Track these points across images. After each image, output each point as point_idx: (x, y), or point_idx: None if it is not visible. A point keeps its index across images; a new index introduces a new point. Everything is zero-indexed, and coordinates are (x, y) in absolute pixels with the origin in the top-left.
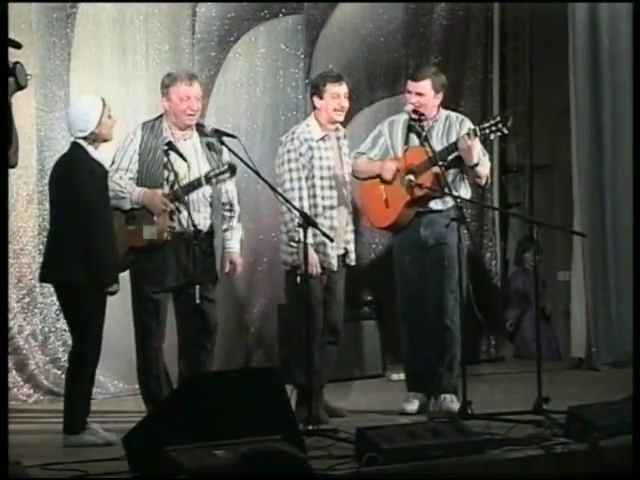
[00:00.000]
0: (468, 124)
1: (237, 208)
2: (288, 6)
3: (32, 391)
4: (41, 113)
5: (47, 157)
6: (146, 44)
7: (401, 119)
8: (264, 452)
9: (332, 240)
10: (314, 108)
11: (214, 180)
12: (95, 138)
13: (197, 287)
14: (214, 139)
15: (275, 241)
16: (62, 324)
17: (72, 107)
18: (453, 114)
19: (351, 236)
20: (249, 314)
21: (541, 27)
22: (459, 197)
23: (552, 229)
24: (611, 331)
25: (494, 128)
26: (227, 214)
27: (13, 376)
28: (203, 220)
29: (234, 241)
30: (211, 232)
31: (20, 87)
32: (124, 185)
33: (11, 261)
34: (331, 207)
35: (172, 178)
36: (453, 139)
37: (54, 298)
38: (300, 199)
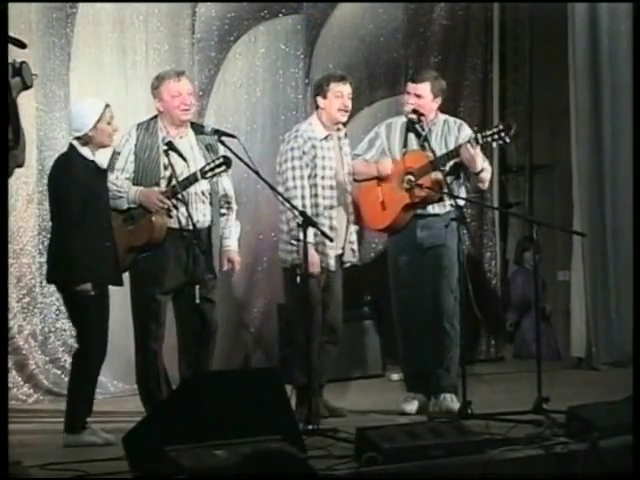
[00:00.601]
0: (467, 129)
1: (234, 205)
2: (288, 6)
3: (32, 391)
4: (41, 113)
5: (47, 157)
6: (146, 44)
7: (399, 121)
8: (264, 452)
9: (332, 240)
10: (317, 108)
11: (210, 174)
12: (88, 141)
13: (197, 287)
14: (214, 139)
15: (275, 241)
16: (62, 324)
17: (74, 106)
18: (451, 119)
19: (355, 236)
20: (248, 314)
21: (541, 27)
22: (459, 197)
23: (552, 229)
24: (611, 331)
25: (496, 137)
26: (225, 211)
27: (13, 376)
28: (202, 217)
29: (232, 239)
30: (209, 229)
31: (26, 87)
32: (120, 185)
33: (11, 261)
34: (331, 207)
35: (169, 175)
36: (451, 143)
37: (54, 298)
38: (302, 197)
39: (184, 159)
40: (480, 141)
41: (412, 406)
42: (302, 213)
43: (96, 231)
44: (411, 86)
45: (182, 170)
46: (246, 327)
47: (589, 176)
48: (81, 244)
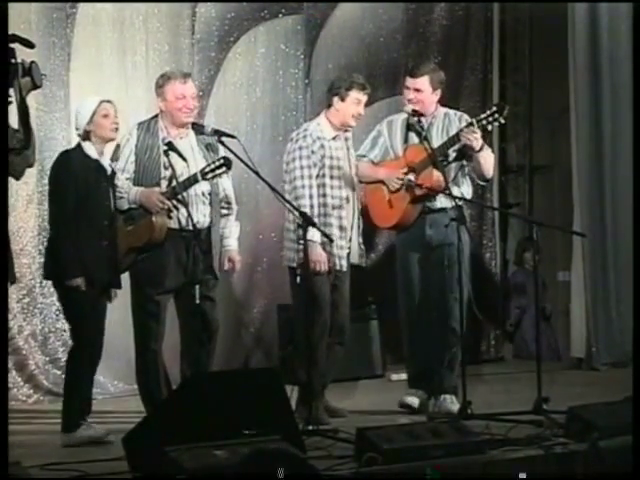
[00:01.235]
0: (468, 119)
1: (235, 205)
2: (288, 6)
3: (32, 391)
4: (41, 113)
5: (47, 157)
6: (146, 44)
7: (399, 118)
8: (264, 452)
9: (332, 240)
10: (328, 107)
11: (210, 175)
12: (88, 136)
13: (197, 287)
14: (213, 139)
15: (275, 241)
16: (62, 324)
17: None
18: (452, 111)
19: (361, 237)
20: (249, 314)
21: (541, 27)
22: (458, 197)
23: (552, 229)
24: (611, 331)
25: (491, 119)
26: (225, 212)
27: (13, 376)
28: (202, 217)
29: (232, 239)
30: (209, 230)
31: (36, 86)
32: (121, 185)
33: None
34: (340, 207)
35: (169, 176)
36: None
37: (54, 298)
38: (310, 197)
39: (184, 159)
40: (475, 124)
41: (414, 399)
42: (302, 213)
43: (91, 229)
44: (410, 81)
45: (182, 170)
46: (246, 327)
47: (589, 176)
48: (72, 239)
